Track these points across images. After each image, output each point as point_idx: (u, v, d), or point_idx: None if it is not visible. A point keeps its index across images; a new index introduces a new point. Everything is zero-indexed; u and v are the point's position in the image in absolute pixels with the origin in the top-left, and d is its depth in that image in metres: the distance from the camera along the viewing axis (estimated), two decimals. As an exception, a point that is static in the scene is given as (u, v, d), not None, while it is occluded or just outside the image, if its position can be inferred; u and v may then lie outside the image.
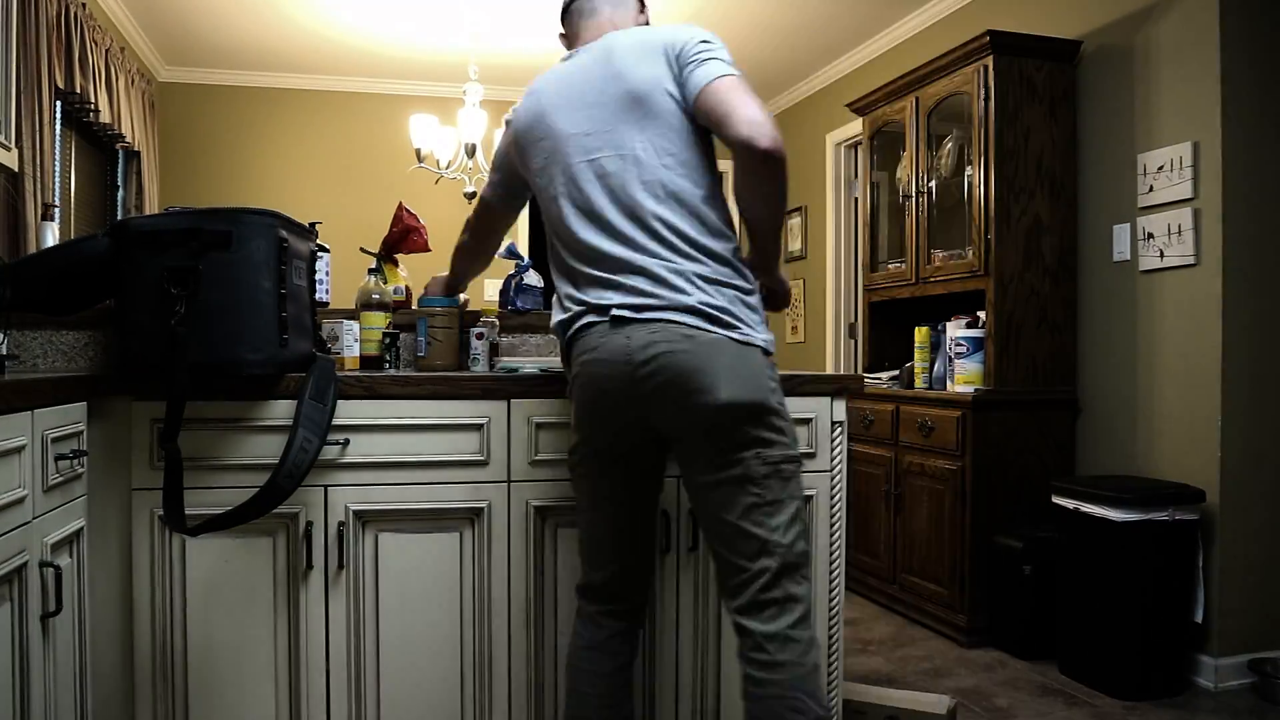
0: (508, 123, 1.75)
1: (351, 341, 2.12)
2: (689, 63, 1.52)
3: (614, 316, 1.49)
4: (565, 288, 1.62)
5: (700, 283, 1.49)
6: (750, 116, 1.43)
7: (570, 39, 1.76)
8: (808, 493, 1.96)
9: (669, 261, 1.49)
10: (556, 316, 1.63)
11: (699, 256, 1.50)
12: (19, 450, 1.37)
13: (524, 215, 5.78)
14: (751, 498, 1.47)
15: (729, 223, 1.57)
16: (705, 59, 1.51)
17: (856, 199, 5.04)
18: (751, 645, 1.46)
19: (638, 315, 1.48)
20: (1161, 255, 2.98)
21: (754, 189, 1.51)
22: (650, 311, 1.47)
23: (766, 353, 1.53)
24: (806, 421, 1.96)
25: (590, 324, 1.53)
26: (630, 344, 1.47)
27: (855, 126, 4.65)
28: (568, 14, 1.76)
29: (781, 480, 1.49)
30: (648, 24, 1.75)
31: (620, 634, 1.64)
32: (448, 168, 4.52)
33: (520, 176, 1.76)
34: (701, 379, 1.44)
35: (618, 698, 1.62)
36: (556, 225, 1.62)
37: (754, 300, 1.55)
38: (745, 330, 1.50)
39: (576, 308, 1.57)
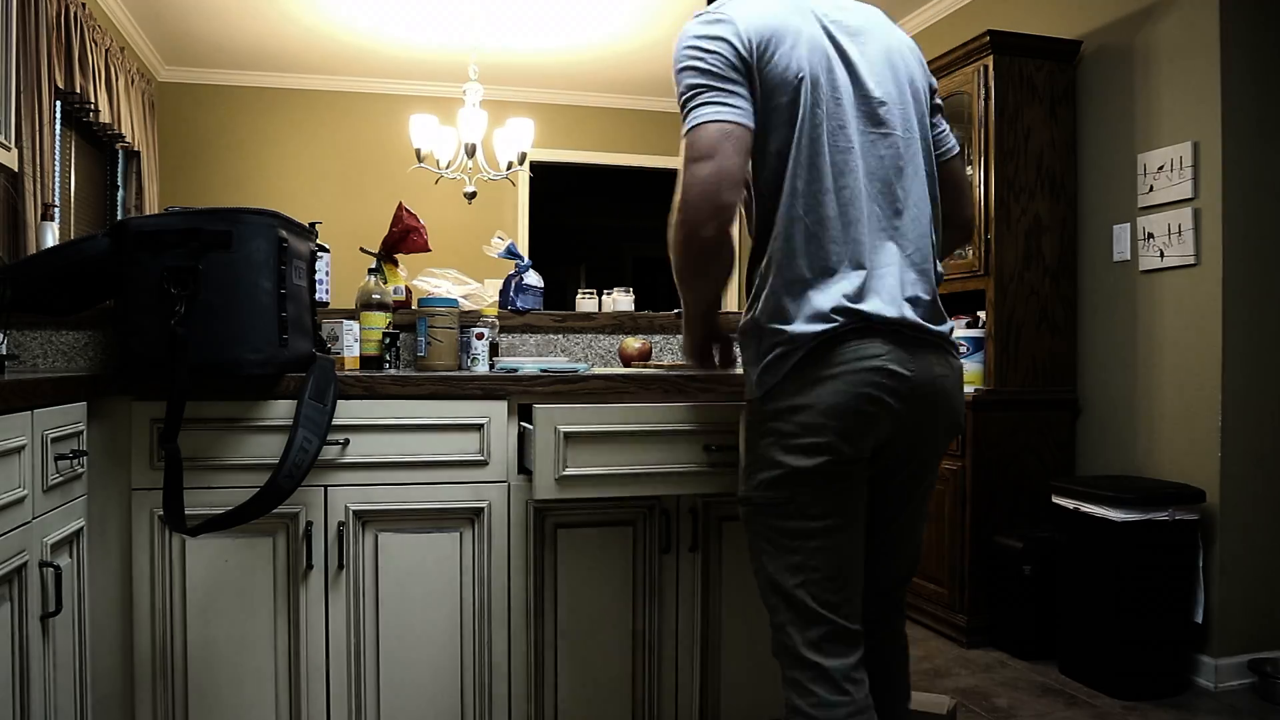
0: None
1: (351, 341, 2.12)
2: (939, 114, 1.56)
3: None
4: None
5: None
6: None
7: None
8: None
9: None
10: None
11: None
12: (19, 450, 1.37)
13: (524, 216, 5.78)
14: (927, 503, 1.57)
15: None
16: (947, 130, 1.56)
17: (856, 199, 5.03)
18: (890, 637, 1.56)
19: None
20: (1162, 255, 2.97)
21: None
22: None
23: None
24: (806, 421, 1.96)
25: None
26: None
27: (855, 126, 4.64)
28: None
29: None
30: None
31: (866, 678, 1.41)
32: (448, 168, 4.52)
33: None
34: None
35: None
36: None
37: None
38: None
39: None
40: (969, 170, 3.38)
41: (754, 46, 1.33)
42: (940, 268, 1.48)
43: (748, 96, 1.33)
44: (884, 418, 1.34)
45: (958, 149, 1.58)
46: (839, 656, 1.35)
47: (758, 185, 1.39)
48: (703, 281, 1.42)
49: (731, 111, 1.31)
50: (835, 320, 1.31)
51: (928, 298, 1.40)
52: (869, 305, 1.32)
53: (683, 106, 1.35)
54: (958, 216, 1.60)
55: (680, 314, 1.63)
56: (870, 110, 1.38)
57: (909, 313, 1.35)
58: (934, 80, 1.53)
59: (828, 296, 1.32)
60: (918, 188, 1.42)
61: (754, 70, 1.33)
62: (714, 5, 1.41)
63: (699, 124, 1.31)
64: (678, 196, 1.33)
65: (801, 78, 1.33)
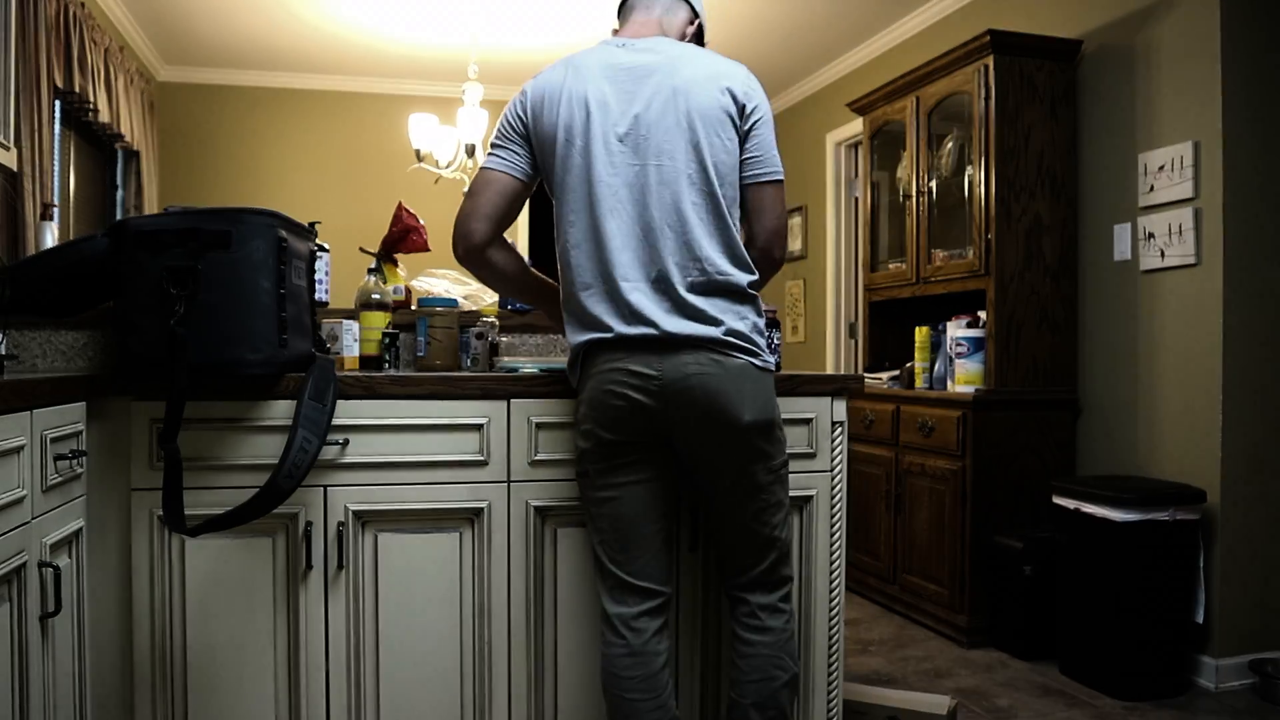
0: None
1: (351, 341, 2.12)
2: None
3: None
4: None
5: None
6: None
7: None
8: (808, 493, 1.96)
9: None
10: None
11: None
12: (18, 450, 1.37)
13: (524, 215, 5.78)
14: (759, 502, 1.66)
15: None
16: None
17: (857, 199, 5.04)
18: (747, 613, 1.70)
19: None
20: (1162, 255, 2.97)
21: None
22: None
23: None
24: (806, 422, 1.96)
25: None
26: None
27: (855, 126, 4.65)
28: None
29: (781, 484, 1.69)
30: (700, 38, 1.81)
31: (657, 631, 1.67)
32: (447, 167, 4.52)
33: None
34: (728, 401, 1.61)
35: (665, 699, 1.65)
36: None
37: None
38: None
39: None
40: (969, 170, 3.38)
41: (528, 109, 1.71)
42: (715, 273, 1.60)
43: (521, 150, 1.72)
44: (635, 410, 1.58)
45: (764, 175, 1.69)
46: (622, 605, 1.65)
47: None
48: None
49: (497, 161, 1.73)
50: (595, 333, 1.60)
51: (682, 304, 1.57)
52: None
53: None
54: (754, 239, 1.73)
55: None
56: (617, 143, 1.61)
57: (657, 322, 1.56)
58: (736, 106, 1.63)
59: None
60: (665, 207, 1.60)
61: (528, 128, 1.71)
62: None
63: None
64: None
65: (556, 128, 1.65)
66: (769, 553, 1.69)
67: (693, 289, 1.57)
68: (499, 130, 1.72)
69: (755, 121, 1.66)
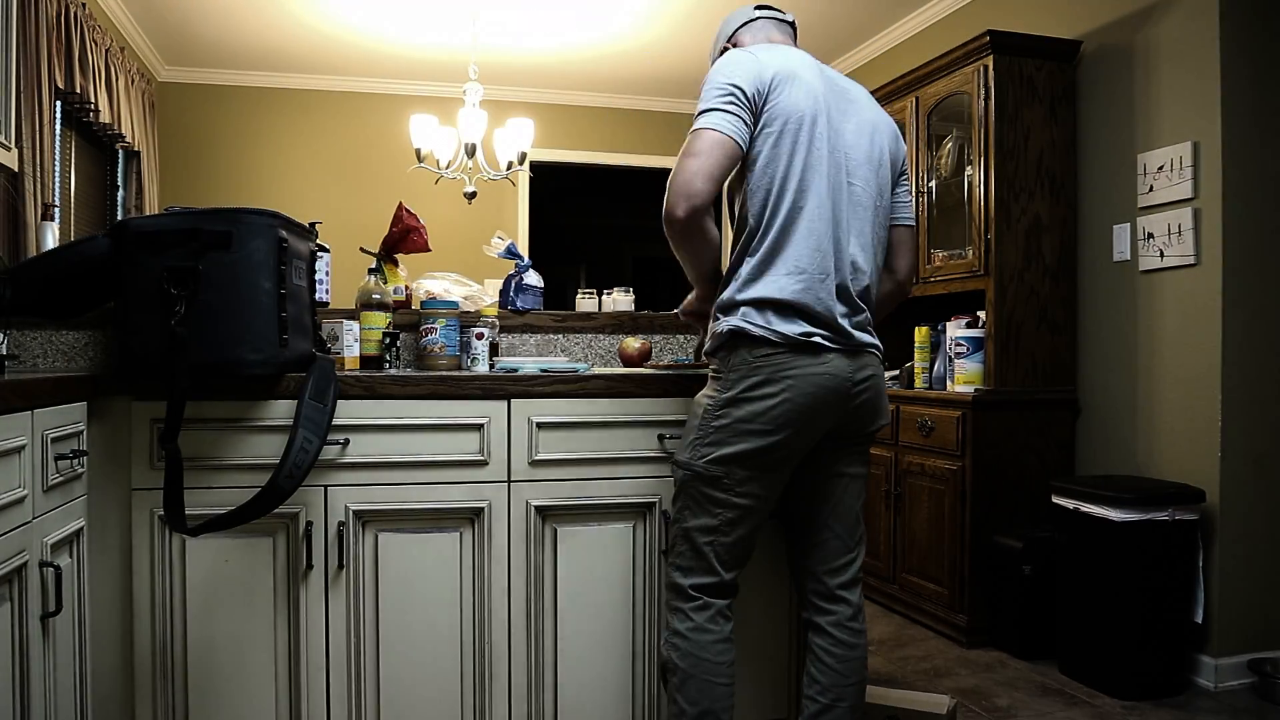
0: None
1: (351, 341, 2.12)
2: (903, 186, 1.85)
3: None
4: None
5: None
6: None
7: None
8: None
9: None
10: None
11: None
12: (19, 450, 1.37)
13: (524, 216, 5.78)
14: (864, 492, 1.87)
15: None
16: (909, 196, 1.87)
17: (856, 199, 5.03)
18: (849, 615, 1.78)
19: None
20: (1161, 255, 2.98)
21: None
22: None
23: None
24: (806, 421, 1.96)
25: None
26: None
27: (855, 126, 4.64)
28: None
29: None
30: None
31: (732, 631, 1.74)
32: (448, 168, 4.52)
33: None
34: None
35: (733, 690, 1.71)
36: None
37: None
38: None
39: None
40: (969, 170, 3.38)
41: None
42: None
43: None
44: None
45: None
46: (719, 596, 1.69)
47: None
48: None
49: None
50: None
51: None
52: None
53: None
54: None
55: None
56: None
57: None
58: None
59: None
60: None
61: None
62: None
63: None
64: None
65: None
66: (862, 544, 1.86)
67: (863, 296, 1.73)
68: (725, 94, 1.59)
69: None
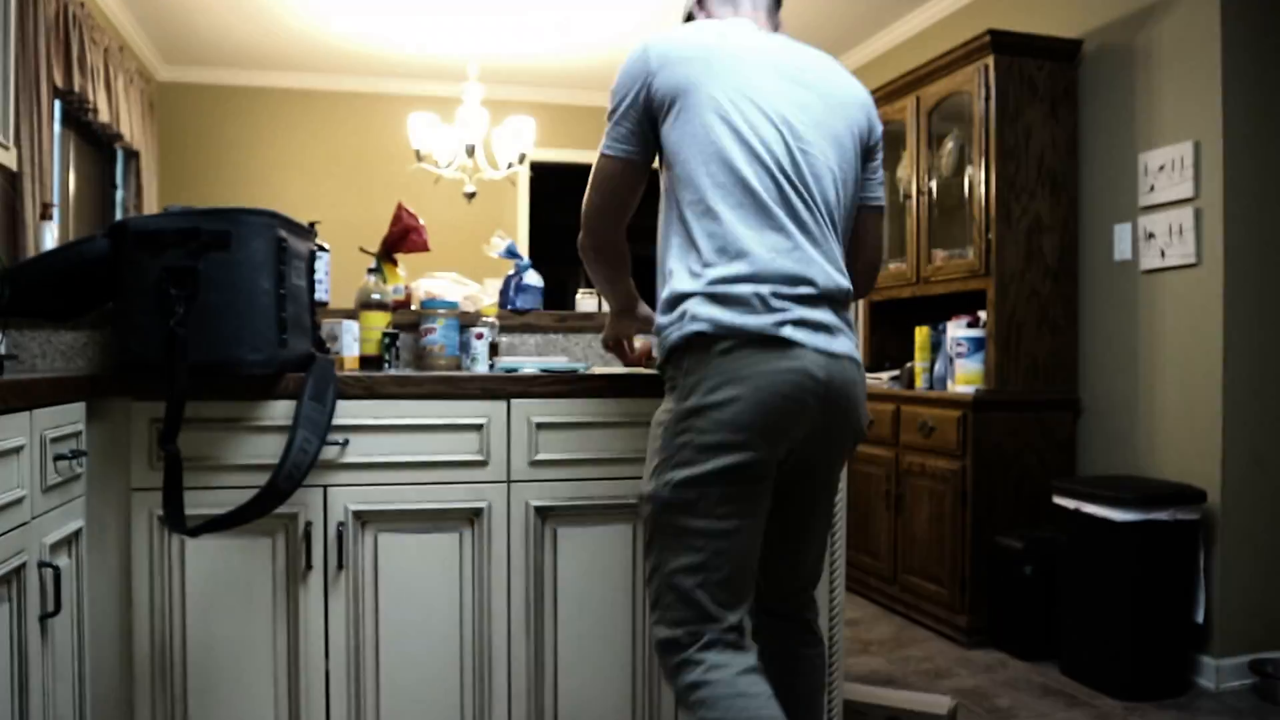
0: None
1: (351, 341, 2.12)
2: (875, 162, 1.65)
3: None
4: None
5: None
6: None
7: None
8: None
9: None
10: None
11: None
12: (18, 450, 1.37)
13: (524, 216, 5.78)
14: (830, 513, 1.65)
15: None
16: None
17: (857, 199, 5.03)
18: (805, 626, 1.64)
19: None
20: (1162, 255, 2.97)
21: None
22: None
23: None
24: (807, 422, 1.96)
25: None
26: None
27: (855, 126, 4.64)
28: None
29: None
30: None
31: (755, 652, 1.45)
32: (448, 167, 4.52)
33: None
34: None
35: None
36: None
37: None
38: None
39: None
40: (969, 170, 3.38)
41: None
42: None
43: None
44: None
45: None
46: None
47: None
48: None
49: None
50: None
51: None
52: None
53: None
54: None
55: None
56: None
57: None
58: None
59: None
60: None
61: None
62: None
63: None
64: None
65: None
66: (820, 565, 1.67)
67: None
68: (610, 108, 1.60)
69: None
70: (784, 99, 1.46)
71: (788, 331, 1.37)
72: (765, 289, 1.37)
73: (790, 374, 1.36)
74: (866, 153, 1.59)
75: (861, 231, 1.65)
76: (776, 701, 1.35)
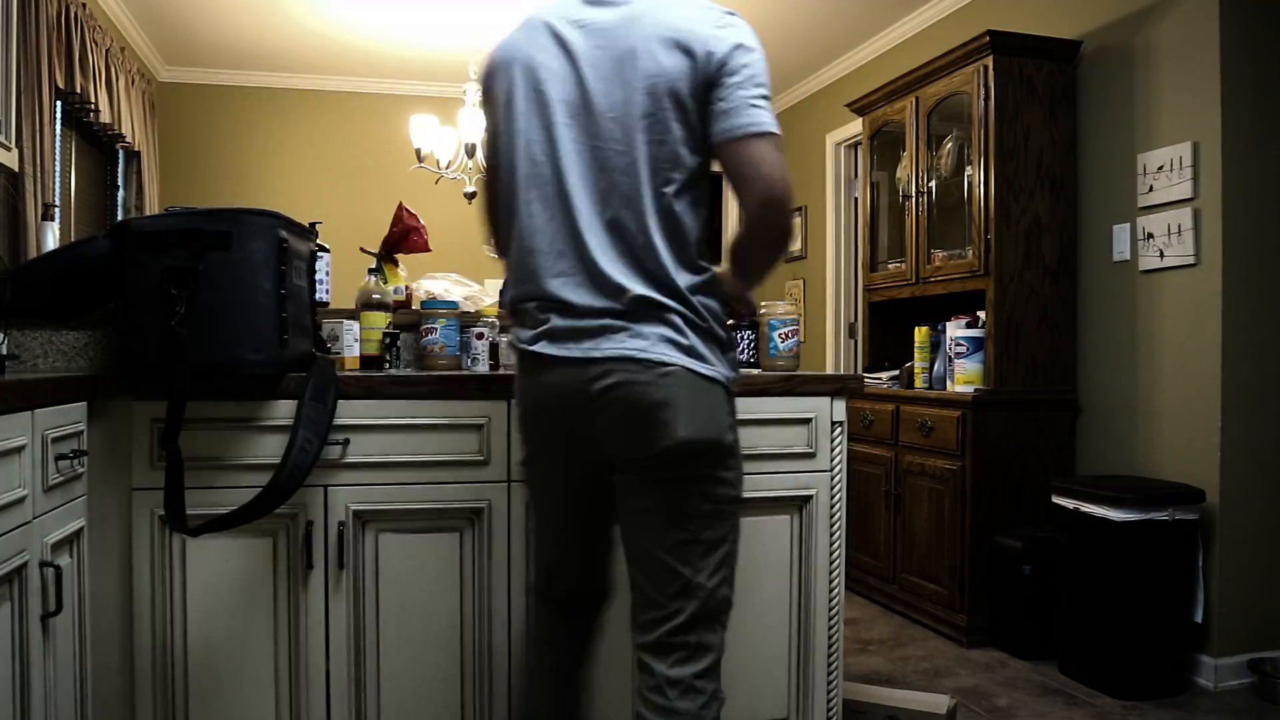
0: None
1: (351, 341, 2.12)
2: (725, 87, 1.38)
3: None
4: None
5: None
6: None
7: None
8: (807, 493, 1.96)
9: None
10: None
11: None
12: (19, 450, 1.37)
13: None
14: (684, 534, 1.38)
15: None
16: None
17: (856, 199, 5.04)
18: (651, 686, 1.38)
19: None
20: (1161, 255, 2.98)
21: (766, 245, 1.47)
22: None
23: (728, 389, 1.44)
24: (806, 421, 1.97)
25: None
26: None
27: (855, 126, 4.65)
28: None
29: (721, 520, 1.41)
30: None
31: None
32: (448, 168, 4.52)
33: None
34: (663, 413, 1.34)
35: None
36: None
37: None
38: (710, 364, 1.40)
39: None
40: (969, 170, 3.38)
41: None
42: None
43: None
44: None
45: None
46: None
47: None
48: None
49: None
50: None
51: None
52: None
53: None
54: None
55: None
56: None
57: None
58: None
59: None
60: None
61: None
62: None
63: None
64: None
65: None
66: (680, 600, 1.37)
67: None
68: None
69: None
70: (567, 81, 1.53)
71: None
72: None
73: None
74: (702, 88, 1.38)
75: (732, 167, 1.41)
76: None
